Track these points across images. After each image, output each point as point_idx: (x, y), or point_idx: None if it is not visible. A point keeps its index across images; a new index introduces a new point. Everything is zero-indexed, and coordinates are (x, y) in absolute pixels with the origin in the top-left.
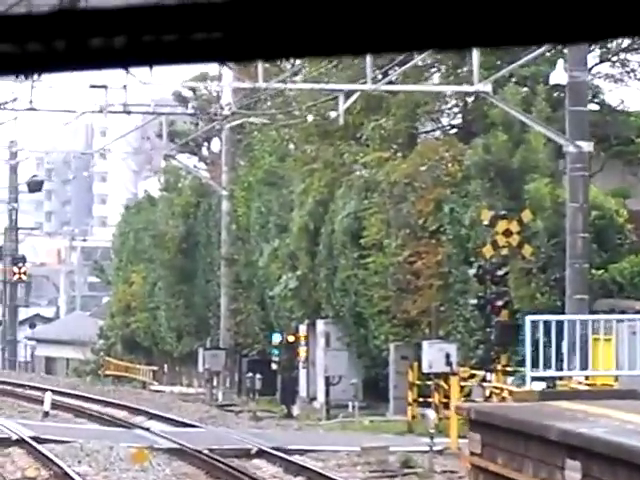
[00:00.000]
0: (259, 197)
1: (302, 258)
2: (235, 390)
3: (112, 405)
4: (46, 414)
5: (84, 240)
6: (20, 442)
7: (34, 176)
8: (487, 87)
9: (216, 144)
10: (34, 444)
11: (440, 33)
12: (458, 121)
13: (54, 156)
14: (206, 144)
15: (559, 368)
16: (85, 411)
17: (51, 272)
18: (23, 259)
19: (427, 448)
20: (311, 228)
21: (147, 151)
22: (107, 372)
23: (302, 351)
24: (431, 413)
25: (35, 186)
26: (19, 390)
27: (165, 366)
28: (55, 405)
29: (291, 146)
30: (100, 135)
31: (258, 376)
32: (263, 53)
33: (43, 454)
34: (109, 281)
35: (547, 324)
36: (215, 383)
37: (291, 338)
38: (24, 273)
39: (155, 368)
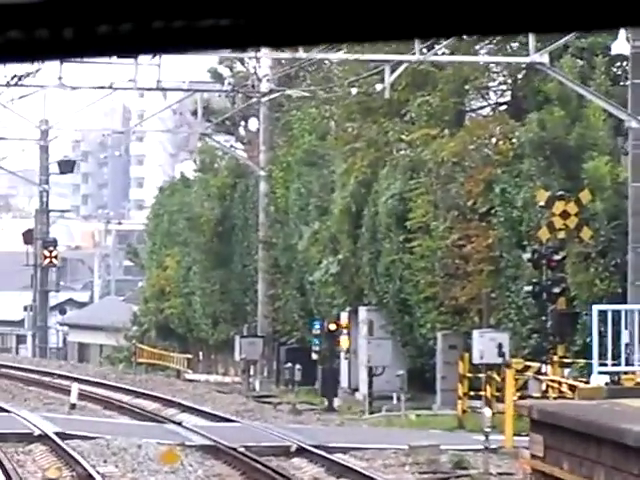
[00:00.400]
0: (298, 178)
1: (344, 242)
2: (273, 379)
3: (143, 396)
4: (73, 406)
5: (119, 223)
6: (43, 438)
7: (65, 156)
8: (544, 58)
9: (253, 123)
10: (58, 440)
11: (485, 19)
12: (507, 98)
13: (91, 137)
14: (243, 123)
15: (630, 362)
16: (114, 403)
17: (86, 256)
18: (54, 242)
19: (480, 447)
20: (353, 210)
21: (184, 133)
22: (140, 360)
23: (344, 340)
24: (487, 411)
25: (66, 167)
26: (47, 379)
27: (200, 354)
28: (83, 396)
29: (332, 124)
30: (137, 118)
31: (298, 367)
32: (272, 40)
33: (67, 452)
34: (143, 265)
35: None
36: (252, 372)
37: (332, 326)
38: (55, 257)
39: (189, 356)
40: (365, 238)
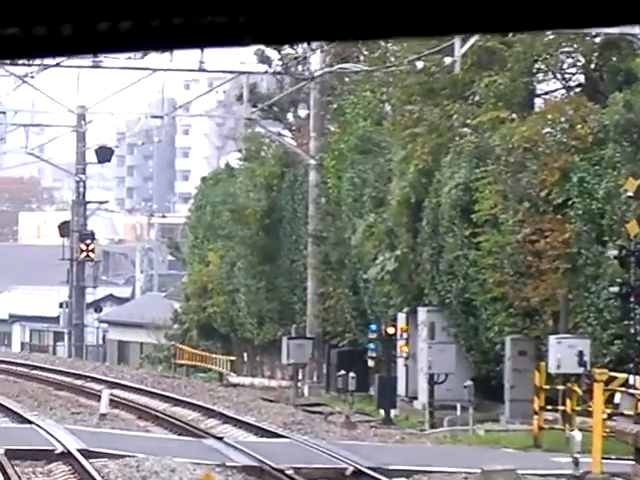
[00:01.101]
0: (352, 166)
1: (402, 236)
2: (322, 384)
3: (182, 404)
4: (103, 416)
5: (163, 216)
6: (65, 456)
7: (103, 144)
8: (635, 29)
9: (303, 109)
10: (82, 460)
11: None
12: (580, 81)
13: (136, 130)
14: (292, 110)
15: None
16: (150, 411)
17: (130, 250)
18: (91, 235)
19: (563, 471)
20: (412, 201)
21: (228, 118)
22: (180, 361)
23: (403, 346)
24: (577, 434)
25: (104, 155)
26: (79, 383)
27: (244, 355)
28: (116, 402)
29: (388, 108)
30: (183, 110)
31: (352, 375)
32: (269, 38)
33: (90, 474)
34: (184, 260)
35: None
36: (300, 376)
37: (391, 330)
38: (92, 251)
39: (233, 358)
40: (426, 232)
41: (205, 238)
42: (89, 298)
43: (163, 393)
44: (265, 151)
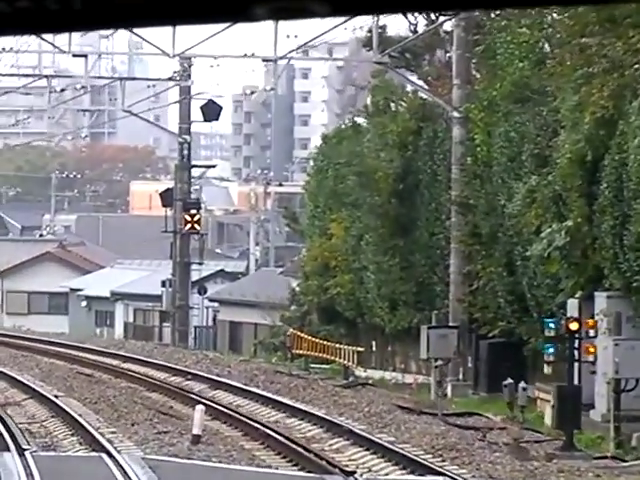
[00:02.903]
0: (505, 119)
1: (574, 203)
2: (470, 382)
3: (299, 414)
4: (196, 439)
5: (280, 185)
6: None
7: (210, 100)
8: None
9: (441, 56)
10: None
11: None
12: None
13: (253, 97)
14: (427, 57)
15: None
16: (258, 426)
17: (245, 221)
18: (197, 204)
19: None
20: (588, 159)
21: (354, 63)
22: (298, 351)
23: (590, 347)
24: None
25: (211, 113)
26: (176, 381)
27: (373, 343)
28: (218, 412)
29: (548, 47)
30: (301, 77)
31: (523, 386)
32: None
33: None
34: (303, 232)
35: None
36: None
37: (574, 325)
38: (197, 222)
39: (360, 349)
40: (606, 198)
41: (327, 207)
42: (197, 275)
43: (276, 398)
44: (398, 104)
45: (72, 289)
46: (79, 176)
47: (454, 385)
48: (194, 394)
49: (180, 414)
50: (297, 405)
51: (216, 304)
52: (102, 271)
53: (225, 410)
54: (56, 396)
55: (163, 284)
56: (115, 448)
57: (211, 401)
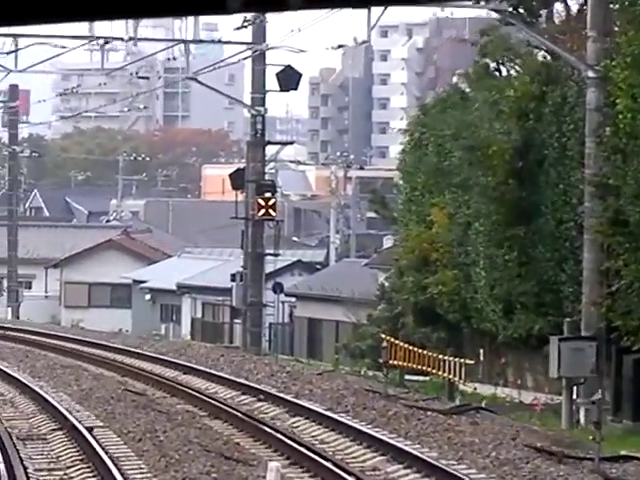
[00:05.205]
0: None
1: None
2: (609, 407)
3: (402, 457)
4: None
5: (361, 168)
6: None
7: (287, 66)
8: None
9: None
10: None
11: None
12: None
13: (330, 80)
14: (544, 11)
15: None
16: (347, 476)
17: (323, 207)
18: (272, 186)
19: None
20: None
21: (429, 77)
22: (393, 362)
23: None
24: None
25: (289, 81)
26: (244, 401)
27: (480, 352)
28: (298, 455)
29: None
30: (379, 59)
31: None
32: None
33: None
34: (395, 219)
35: None
36: (574, 395)
37: None
38: (272, 207)
39: (470, 361)
40: None
41: (426, 189)
42: (271, 266)
43: (372, 433)
44: (515, 64)
45: (135, 280)
46: (148, 159)
47: (588, 409)
48: (267, 425)
49: (248, 456)
50: (399, 444)
51: (293, 299)
52: (168, 261)
53: (307, 452)
54: (91, 428)
55: (233, 278)
56: None
57: (289, 437)
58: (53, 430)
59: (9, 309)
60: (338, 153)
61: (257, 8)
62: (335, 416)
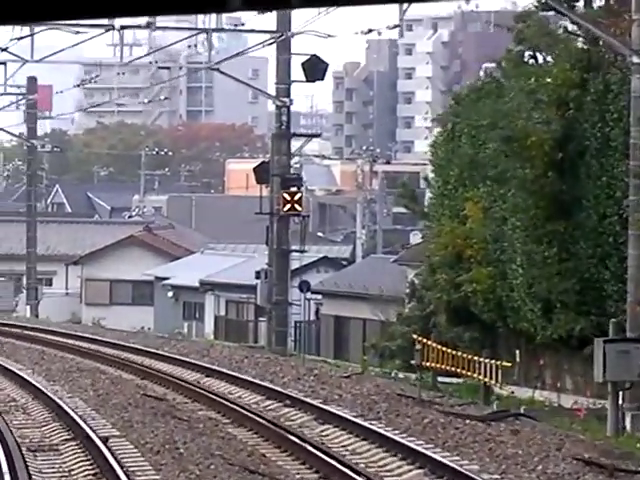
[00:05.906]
0: None
1: None
2: None
3: (441, 470)
4: None
5: (387, 163)
6: None
7: (313, 56)
8: None
9: None
10: None
11: None
12: None
13: (355, 74)
14: None
15: None
16: None
17: (349, 202)
18: (298, 180)
19: None
20: None
21: (455, 70)
22: (425, 364)
23: None
24: None
25: (315, 71)
26: (269, 407)
27: (516, 353)
28: (329, 468)
29: None
30: (404, 53)
31: None
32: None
33: None
34: (425, 213)
35: None
36: (620, 400)
37: None
38: (298, 201)
39: (507, 364)
40: None
41: (460, 182)
42: (297, 263)
43: (407, 443)
44: (554, 51)
45: (157, 277)
46: (171, 154)
47: (634, 415)
48: (294, 434)
49: (274, 469)
50: (437, 455)
51: (319, 296)
52: (191, 257)
53: (338, 465)
54: (107, 439)
55: (257, 275)
56: None
57: (317, 448)
58: (66, 440)
59: (28, 307)
60: (363, 148)
61: (258, 6)
62: (366, 424)
